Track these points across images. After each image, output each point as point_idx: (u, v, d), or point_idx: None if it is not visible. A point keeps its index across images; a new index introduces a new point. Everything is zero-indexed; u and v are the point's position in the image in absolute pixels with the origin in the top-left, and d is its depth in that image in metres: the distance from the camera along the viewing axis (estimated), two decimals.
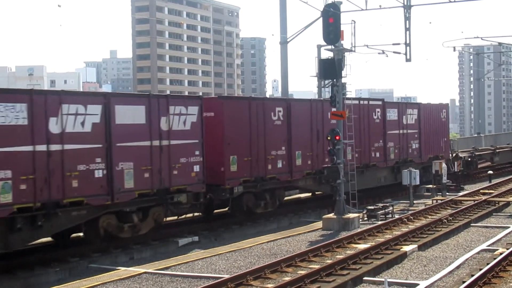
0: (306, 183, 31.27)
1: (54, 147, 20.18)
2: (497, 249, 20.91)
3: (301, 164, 30.32)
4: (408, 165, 36.37)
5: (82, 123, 21.02)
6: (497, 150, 51.11)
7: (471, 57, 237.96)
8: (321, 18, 27.15)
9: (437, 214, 28.49)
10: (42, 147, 19.86)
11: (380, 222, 26.24)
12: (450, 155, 42.41)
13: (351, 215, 26.93)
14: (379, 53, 36.90)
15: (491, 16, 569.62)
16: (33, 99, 19.74)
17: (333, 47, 27.21)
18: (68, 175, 20.48)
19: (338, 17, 26.67)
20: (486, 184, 39.94)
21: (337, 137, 26.81)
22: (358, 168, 31.72)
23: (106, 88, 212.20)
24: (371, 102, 36.02)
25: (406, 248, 21.09)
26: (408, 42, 35.42)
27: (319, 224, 26.95)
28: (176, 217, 26.48)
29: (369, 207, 29.02)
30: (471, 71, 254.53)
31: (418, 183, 33.72)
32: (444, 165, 36.19)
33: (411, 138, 38.92)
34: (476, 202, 31.22)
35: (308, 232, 25.81)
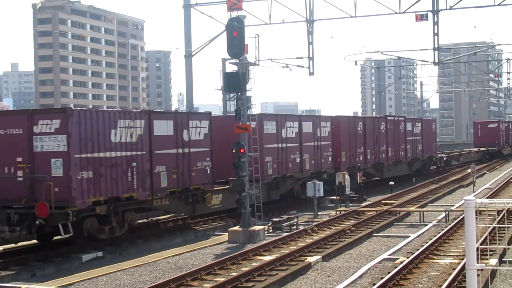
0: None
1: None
2: (398, 258, 21.36)
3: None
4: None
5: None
6: (462, 152, 74.40)
7: (373, 70, 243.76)
8: (225, 32, 27.34)
9: (341, 225, 28.94)
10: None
11: (285, 234, 26.42)
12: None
13: (257, 228, 26.97)
14: (283, 67, 37.38)
15: (391, 31, 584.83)
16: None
17: (237, 60, 27.29)
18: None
19: (242, 31, 26.85)
20: (388, 194, 41.05)
21: (242, 150, 26.97)
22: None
23: (7, 102, 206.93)
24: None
25: (311, 259, 21.30)
26: (311, 56, 35.96)
27: (225, 237, 26.93)
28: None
29: (274, 219, 29.14)
30: (373, 84, 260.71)
31: (322, 194, 34.28)
32: (347, 176, 36.84)
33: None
34: (378, 212, 31.92)
35: (214, 245, 25.75)
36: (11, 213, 23.19)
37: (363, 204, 36.28)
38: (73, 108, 24.18)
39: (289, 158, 36.64)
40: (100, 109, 25.93)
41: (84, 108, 24.64)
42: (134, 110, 27.86)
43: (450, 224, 27.16)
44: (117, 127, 24.89)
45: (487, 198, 12.44)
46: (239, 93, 27.17)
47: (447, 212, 30.87)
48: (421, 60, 52.86)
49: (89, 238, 24.77)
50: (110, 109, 26.03)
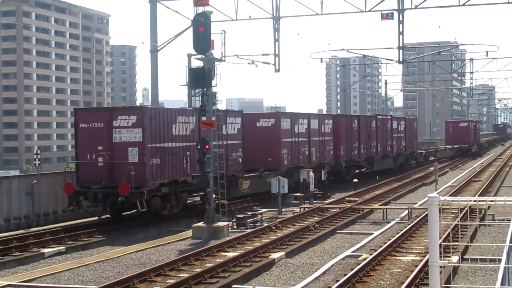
0: None
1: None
2: (361, 255, 21.49)
3: None
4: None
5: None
6: (438, 149, 79.50)
7: (338, 68, 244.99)
8: (191, 27, 27.17)
9: (305, 222, 29.01)
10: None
11: (249, 230, 26.48)
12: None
13: (221, 224, 26.95)
14: (249, 63, 37.37)
15: (357, 30, 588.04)
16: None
17: (203, 56, 27.14)
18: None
19: (209, 27, 26.72)
20: (351, 192, 41.23)
21: (207, 146, 26.92)
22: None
23: None
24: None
25: (274, 256, 21.34)
26: (277, 52, 36.00)
27: (189, 233, 26.88)
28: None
29: (239, 216, 29.13)
30: (338, 82, 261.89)
31: (286, 191, 34.38)
32: (311, 173, 36.97)
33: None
34: (341, 209, 32.08)
35: (178, 241, 25.69)
36: (97, 192, 28.41)
37: (327, 201, 36.36)
38: (147, 106, 30.33)
39: (300, 150, 41.77)
40: (164, 107, 30.60)
41: (154, 107, 29.32)
42: (188, 108, 33.15)
43: (412, 222, 27.44)
44: (177, 122, 30.32)
45: (450, 196, 12.64)
46: (205, 89, 27.08)
47: (409, 210, 31.22)
48: (386, 59, 53.14)
49: (155, 214, 29.39)
50: (171, 107, 31.41)
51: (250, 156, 37.25)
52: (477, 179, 49.60)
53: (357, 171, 52.81)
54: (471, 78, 77.27)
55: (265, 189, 35.74)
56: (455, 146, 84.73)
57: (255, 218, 29.10)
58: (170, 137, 29.79)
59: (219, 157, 28.36)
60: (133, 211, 30.27)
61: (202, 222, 27.22)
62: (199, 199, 33.84)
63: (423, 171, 59.59)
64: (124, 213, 30.82)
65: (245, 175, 35.76)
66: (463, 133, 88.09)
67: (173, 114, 30.26)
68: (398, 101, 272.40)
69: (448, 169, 62.06)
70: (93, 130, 29.17)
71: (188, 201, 33.84)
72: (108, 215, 29.81)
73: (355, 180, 43.94)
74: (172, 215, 30.59)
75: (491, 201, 7.52)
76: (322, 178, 41.93)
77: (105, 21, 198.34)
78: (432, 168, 50.82)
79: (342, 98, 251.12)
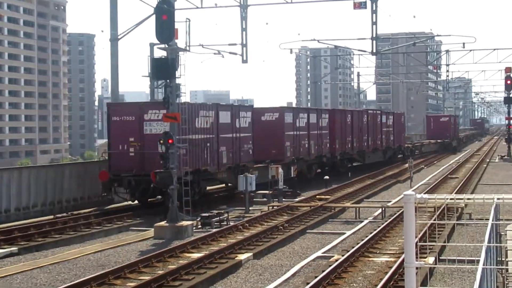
0: None
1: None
2: (333, 256, 21.53)
3: None
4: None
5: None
6: (423, 143, 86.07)
7: (308, 59, 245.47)
8: (154, 15, 26.98)
9: (273, 221, 29.01)
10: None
11: (214, 230, 26.38)
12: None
13: (185, 223, 26.82)
14: (215, 54, 37.23)
15: (328, 19, 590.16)
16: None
17: (166, 46, 27.07)
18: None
19: (172, 15, 26.50)
20: (323, 189, 41.23)
21: (170, 141, 26.74)
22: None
23: None
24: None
25: (241, 257, 21.31)
26: (244, 43, 35.91)
27: (151, 233, 26.70)
28: None
29: (203, 214, 28.96)
30: (308, 74, 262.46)
31: (254, 188, 34.35)
32: (280, 170, 37.00)
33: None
34: (312, 208, 32.13)
35: (139, 241, 25.51)
36: (131, 179, 31.97)
37: (296, 199, 36.41)
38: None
39: (301, 143, 45.77)
40: (187, 102, 32.50)
41: (180, 102, 31.40)
42: (208, 103, 36.33)
43: (386, 221, 27.51)
44: (199, 116, 33.91)
45: (426, 193, 12.65)
46: (168, 80, 26.95)
47: (383, 208, 31.33)
48: (359, 50, 53.45)
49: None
50: (194, 102, 35.48)
51: (255, 148, 40.90)
52: (453, 176, 50.16)
53: (349, 165, 57.22)
54: (447, 71, 77.89)
55: (273, 179, 39.66)
56: (438, 141, 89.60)
57: (221, 217, 28.96)
58: (194, 130, 33.28)
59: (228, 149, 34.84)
60: (158, 197, 33.99)
61: (165, 222, 27.18)
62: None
63: (398, 167, 60.11)
64: (150, 199, 34.19)
65: (255, 166, 39.71)
66: (444, 128, 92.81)
67: (196, 109, 33.92)
68: (371, 94, 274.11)
69: (423, 166, 62.52)
70: (125, 123, 33.06)
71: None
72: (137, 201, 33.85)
73: (326, 177, 44.08)
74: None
75: (469, 199, 7.55)
76: (292, 175, 42.06)
77: (62, 7, 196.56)
78: (406, 165, 51.28)
79: (313, 90, 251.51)
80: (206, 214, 29.00)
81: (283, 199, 36.03)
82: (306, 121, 46.93)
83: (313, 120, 48.30)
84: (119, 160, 32.95)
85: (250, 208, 33.53)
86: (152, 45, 31.92)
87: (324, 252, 22.59)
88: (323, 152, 49.40)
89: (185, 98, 30.19)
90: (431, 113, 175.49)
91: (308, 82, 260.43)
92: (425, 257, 19.81)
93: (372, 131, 60.41)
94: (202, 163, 34.09)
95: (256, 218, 29.38)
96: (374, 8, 37.94)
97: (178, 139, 29.66)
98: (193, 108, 33.54)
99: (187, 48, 28.16)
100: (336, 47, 57.23)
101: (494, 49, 63.70)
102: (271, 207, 32.87)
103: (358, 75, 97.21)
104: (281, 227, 26.90)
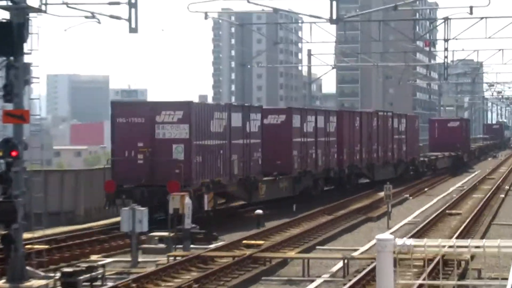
0: None
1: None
2: None
3: None
4: None
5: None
6: (438, 157, 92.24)
7: (233, 29, 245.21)
8: None
9: (175, 281, 28.08)
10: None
11: None
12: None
13: (35, 283, 26.53)
14: (87, 17, 36.90)
15: None
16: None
17: (9, 3, 26.93)
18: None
19: None
20: (253, 230, 39.83)
21: (14, 153, 26.35)
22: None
23: None
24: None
25: None
26: (133, 1, 35.70)
27: None
28: None
29: (66, 270, 27.73)
30: (233, 52, 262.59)
31: (146, 229, 33.90)
32: (187, 200, 36.58)
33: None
34: (236, 259, 31.08)
35: None
36: (144, 190, 38.46)
37: (212, 246, 35.24)
38: (193, 101, 42.23)
39: (308, 153, 53.56)
40: (204, 102, 39.11)
41: (197, 102, 37.78)
42: (221, 103, 43.76)
43: (350, 280, 27.42)
44: (214, 118, 40.57)
45: (411, 238, 12.64)
46: (12, 58, 26.56)
47: (345, 261, 30.80)
48: (311, 16, 53.35)
49: None
50: (209, 102, 49.07)
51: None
52: (453, 211, 50.51)
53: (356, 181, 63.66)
54: (446, 49, 77.20)
55: (280, 196, 46.68)
56: (452, 154, 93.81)
57: (92, 274, 27.55)
58: (209, 134, 39.23)
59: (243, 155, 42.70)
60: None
61: (4, 280, 26.68)
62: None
63: (368, 198, 58.49)
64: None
65: (264, 179, 44.12)
66: (453, 136, 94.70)
67: (211, 110, 39.64)
68: (329, 85, 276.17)
69: (406, 195, 63.13)
70: (133, 126, 38.85)
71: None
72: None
73: (259, 211, 44.29)
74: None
75: (477, 246, 7.60)
76: (206, 208, 42.10)
77: None
78: (382, 193, 50.91)
79: (240, 77, 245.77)
80: (70, 270, 28.01)
81: (191, 245, 35.57)
82: (313, 126, 53.26)
83: (321, 124, 54.75)
84: (125, 169, 39.13)
85: (139, 260, 32.95)
86: None
87: None
88: (330, 165, 55.84)
89: (39, 86, 29.84)
90: (420, 113, 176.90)
91: (233, 64, 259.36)
92: None
93: (382, 138, 67.16)
94: (215, 173, 40.21)
95: (149, 275, 28.15)
96: None
97: (195, 144, 36.60)
98: (209, 109, 39.39)
99: (43, 7, 27.97)
100: (276, 11, 57.09)
101: None
102: (173, 257, 32.10)
103: (310, 54, 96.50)
104: None
